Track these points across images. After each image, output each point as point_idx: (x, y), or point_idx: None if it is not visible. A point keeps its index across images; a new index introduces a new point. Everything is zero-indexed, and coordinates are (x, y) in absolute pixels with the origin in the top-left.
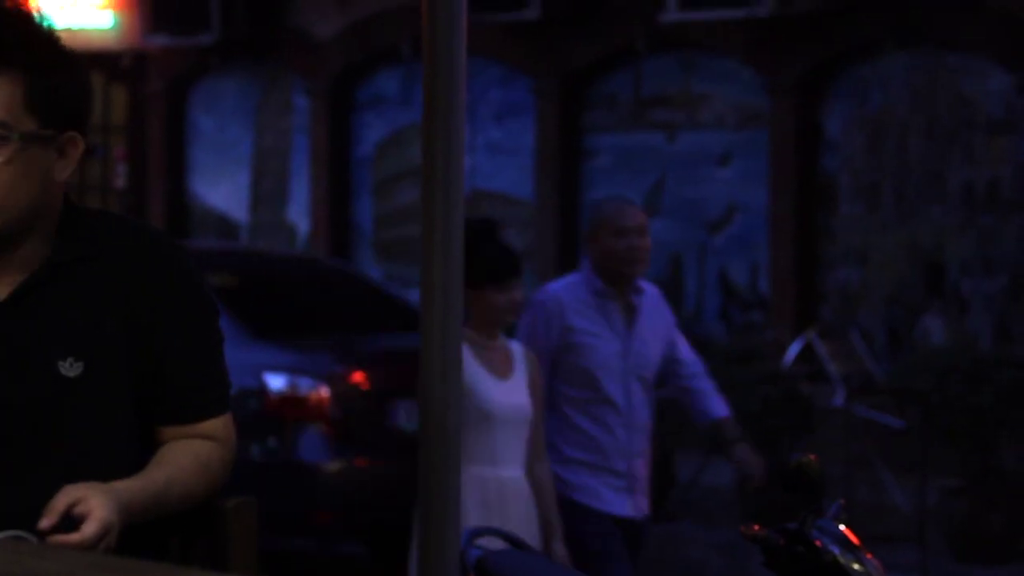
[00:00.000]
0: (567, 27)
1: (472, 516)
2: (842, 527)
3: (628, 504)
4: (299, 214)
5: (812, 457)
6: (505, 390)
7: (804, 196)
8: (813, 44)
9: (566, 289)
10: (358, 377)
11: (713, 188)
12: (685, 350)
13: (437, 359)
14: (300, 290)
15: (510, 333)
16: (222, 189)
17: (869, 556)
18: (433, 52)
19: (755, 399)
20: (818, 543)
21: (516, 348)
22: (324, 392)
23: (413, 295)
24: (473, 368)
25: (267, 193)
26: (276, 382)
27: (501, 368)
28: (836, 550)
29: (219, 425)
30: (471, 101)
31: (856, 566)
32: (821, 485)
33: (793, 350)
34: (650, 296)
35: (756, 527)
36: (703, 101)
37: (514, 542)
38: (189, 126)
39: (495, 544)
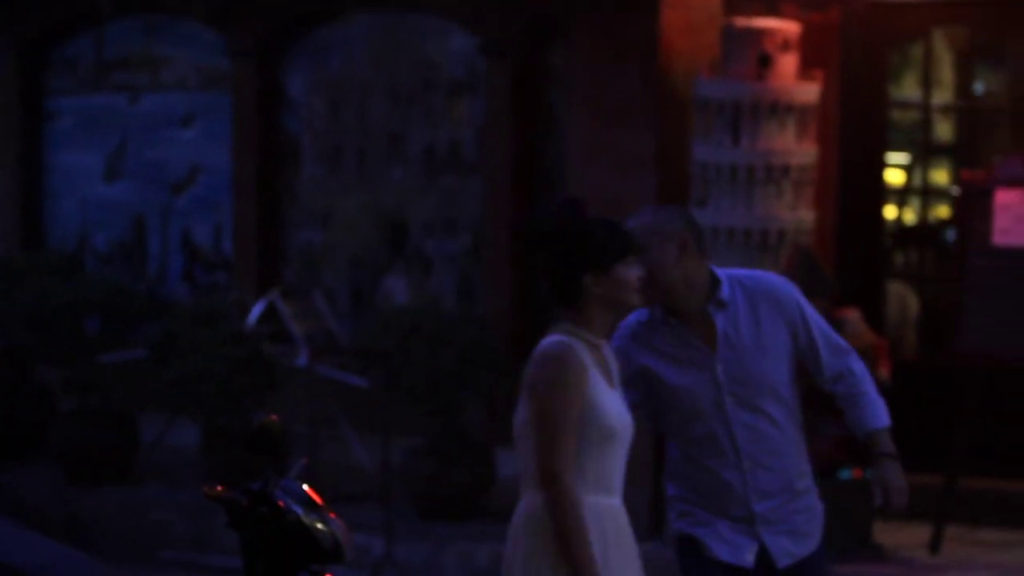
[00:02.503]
0: None
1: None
2: (305, 487)
3: (747, 551)
4: None
5: (275, 417)
6: (619, 401)
7: (266, 158)
8: (274, 6)
9: (639, 319)
10: None
11: (176, 150)
12: (826, 349)
13: None
14: None
15: None
16: None
17: (333, 516)
18: None
19: (219, 360)
20: (281, 503)
21: (606, 345)
22: None
23: None
24: (595, 377)
25: None
26: None
27: (609, 374)
28: (299, 510)
29: None
30: None
31: (319, 526)
32: (284, 445)
33: (256, 311)
34: (743, 302)
35: (220, 488)
36: (165, 63)
37: None
38: None
39: None
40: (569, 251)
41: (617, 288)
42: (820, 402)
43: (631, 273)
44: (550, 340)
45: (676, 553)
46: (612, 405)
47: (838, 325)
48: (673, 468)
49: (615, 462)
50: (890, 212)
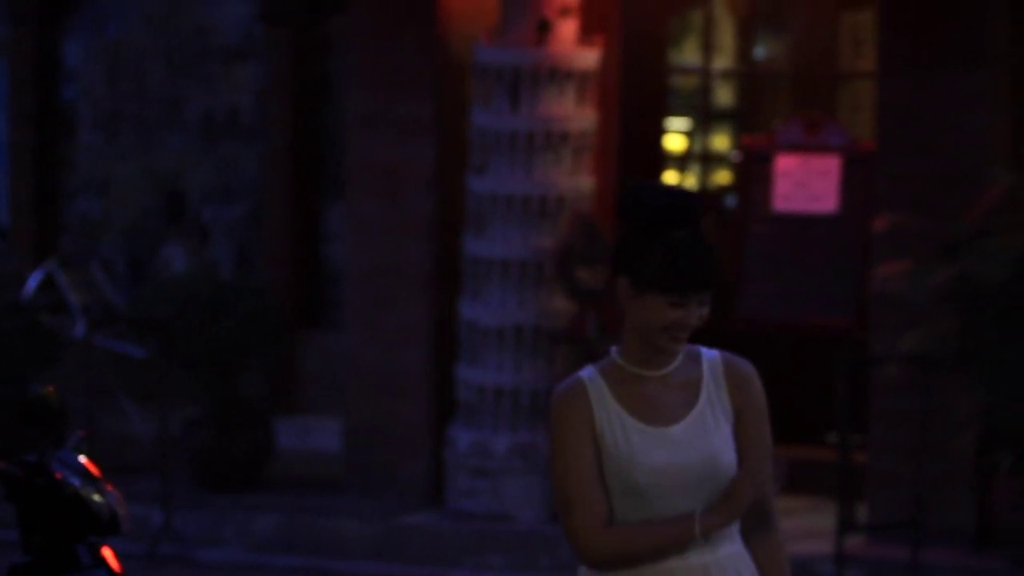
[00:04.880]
0: None
1: None
2: (82, 458)
3: None
4: None
5: (51, 389)
6: (665, 443)
7: (44, 126)
8: None
9: None
10: None
11: None
12: None
13: None
14: None
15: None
16: None
17: (110, 487)
18: None
19: None
20: (58, 475)
21: (708, 364)
22: None
23: None
24: (610, 419)
25: None
26: None
27: (666, 408)
28: (76, 482)
29: None
30: None
31: (96, 498)
32: (61, 417)
33: (33, 281)
34: None
35: None
36: None
37: None
38: None
39: None
40: (621, 241)
41: (645, 315)
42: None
43: (667, 312)
44: (570, 376)
45: None
46: (638, 450)
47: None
48: None
49: (661, 514)
50: (670, 178)
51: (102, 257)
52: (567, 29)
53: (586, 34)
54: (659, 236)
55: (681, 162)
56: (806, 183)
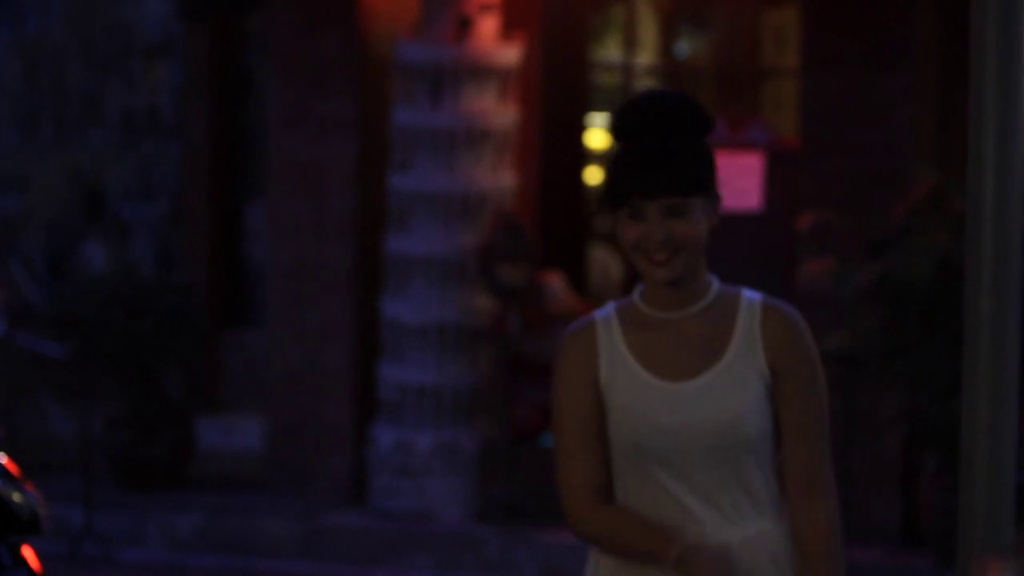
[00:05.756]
0: None
1: None
2: (2, 457)
3: None
4: None
5: None
6: (676, 401)
7: None
8: None
9: None
10: None
11: None
12: None
13: None
14: None
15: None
16: None
17: (30, 487)
18: None
19: None
20: None
21: (745, 312)
22: None
23: None
24: (612, 365)
25: None
26: None
27: (683, 360)
28: None
29: None
30: None
31: (16, 497)
32: None
33: None
34: None
35: None
36: None
37: None
38: None
39: None
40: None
41: (620, 236)
42: (522, 367)
43: (629, 228)
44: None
45: None
46: (647, 408)
47: (540, 290)
48: None
49: (669, 484)
50: (592, 176)
51: (22, 255)
52: (488, 26)
53: (507, 31)
54: (616, 152)
55: (603, 159)
56: (729, 180)
